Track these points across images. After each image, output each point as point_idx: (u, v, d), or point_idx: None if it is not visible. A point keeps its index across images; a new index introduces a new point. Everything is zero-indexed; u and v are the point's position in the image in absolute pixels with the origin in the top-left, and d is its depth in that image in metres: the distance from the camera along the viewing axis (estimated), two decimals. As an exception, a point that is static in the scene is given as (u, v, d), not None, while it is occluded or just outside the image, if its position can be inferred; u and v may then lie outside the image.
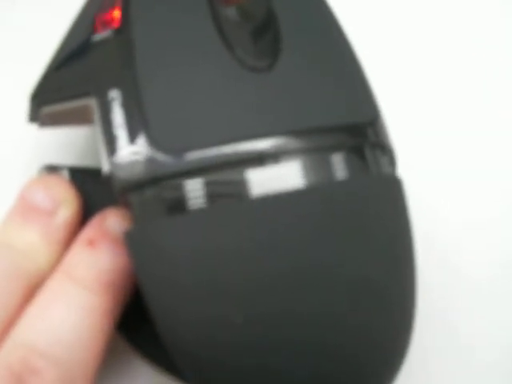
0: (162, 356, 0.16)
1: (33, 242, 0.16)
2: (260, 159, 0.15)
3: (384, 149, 0.16)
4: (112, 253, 0.16)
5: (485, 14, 0.24)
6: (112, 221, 0.16)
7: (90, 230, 0.16)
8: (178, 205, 0.14)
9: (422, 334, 0.18)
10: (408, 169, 0.18)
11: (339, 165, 0.15)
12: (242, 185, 0.14)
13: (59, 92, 0.16)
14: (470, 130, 0.22)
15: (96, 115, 0.15)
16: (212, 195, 0.14)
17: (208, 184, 0.14)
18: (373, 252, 0.15)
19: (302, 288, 0.14)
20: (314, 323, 0.14)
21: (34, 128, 0.17)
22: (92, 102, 0.16)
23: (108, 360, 0.17)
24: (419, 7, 0.24)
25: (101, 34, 0.17)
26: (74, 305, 0.15)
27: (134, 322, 0.17)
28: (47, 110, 0.17)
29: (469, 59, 0.23)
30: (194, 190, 0.14)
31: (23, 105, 0.17)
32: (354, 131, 0.16)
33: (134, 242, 0.15)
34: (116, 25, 0.16)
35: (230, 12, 0.17)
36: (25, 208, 0.16)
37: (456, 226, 0.21)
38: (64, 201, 0.16)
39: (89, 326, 0.15)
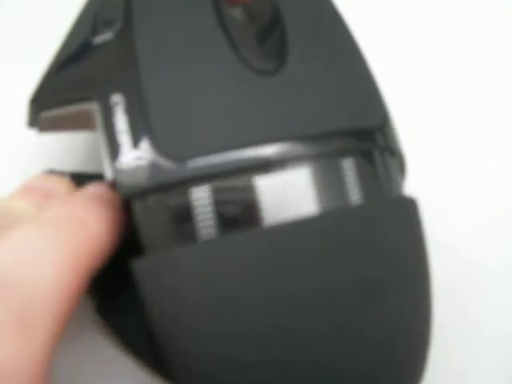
0: (149, 355, 0.16)
1: (26, 209, 0.15)
2: (267, 165, 0.14)
3: (393, 153, 0.16)
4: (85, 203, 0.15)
5: (488, 14, 0.23)
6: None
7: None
8: (187, 225, 0.14)
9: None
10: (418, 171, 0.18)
11: (349, 173, 0.15)
12: (250, 197, 0.14)
13: (59, 96, 0.16)
14: (476, 134, 0.22)
15: (98, 120, 0.15)
16: (220, 210, 0.14)
17: (214, 192, 0.14)
18: (389, 280, 0.14)
19: (313, 320, 0.14)
20: (322, 350, 0.14)
21: (33, 132, 0.17)
22: (94, 107, 0.15)
23: (96, 357, 0.16)
24: (424, 8, 0.23)
25: (102, 36, 0.16)
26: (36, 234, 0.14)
27: (123, 318, 0.17)
28: (47, 114, 0.16)
29: (473, 61, 0.23)
30: (201, 199, 0.14)
31: (23, 108, 0.17)
32: (363, 135, 0.15)
33: (142, 276, 0.14)
34: (118, 26, 0.16)
35: (236, 12, 0.16)
36: (25, 189, 0.16)
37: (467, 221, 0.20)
38: (62, 190, 0.16)
39: (53, 261, 0.13)
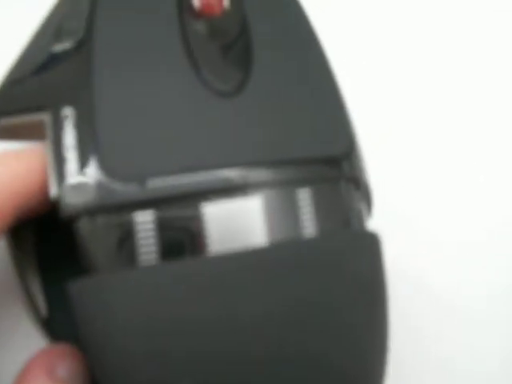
0: None
1: None
2: (218, 191, 0.13)
3: (358, 183, 0.15)
4: None
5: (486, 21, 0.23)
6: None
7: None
8: (129, 249, 0.13)
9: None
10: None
11: (305, 203, 0.14)
12: (196, 224, 0.13)
13: (14, 105, 0.15)
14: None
15: (48, 133, 0.14)
16: (164, 236, 0.13)
17: (159, 218, 0.13)
18: (337, 313, 0.14)
19: (259, 363, 0.13)
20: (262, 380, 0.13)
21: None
22: (45, 118, 0.15)
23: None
24: (421, 11, 0.23)
25: (62, 45, 0.16)
26: None
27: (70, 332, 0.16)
28: (2, 122, 0.16)
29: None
30: (145, 223, 0.13)
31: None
32: (325, 164, 0.15)
33: (78, 297, 0.14)
34: (78, 36, 0.15)
35: (201, 27, 0.16)
36: None
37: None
38: None
39: None
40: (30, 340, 0.17)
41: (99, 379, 0.14)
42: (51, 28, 0.16)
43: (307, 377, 0.13)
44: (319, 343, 0.13)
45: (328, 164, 0.15)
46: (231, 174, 0.14)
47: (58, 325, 0.17)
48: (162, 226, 0.13)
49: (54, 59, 0.15)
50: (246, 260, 0.13)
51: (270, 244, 0.13)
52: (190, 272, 0.13)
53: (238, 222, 0.13)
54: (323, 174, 0.14)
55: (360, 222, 0.15)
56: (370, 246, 0.15)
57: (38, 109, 0.15)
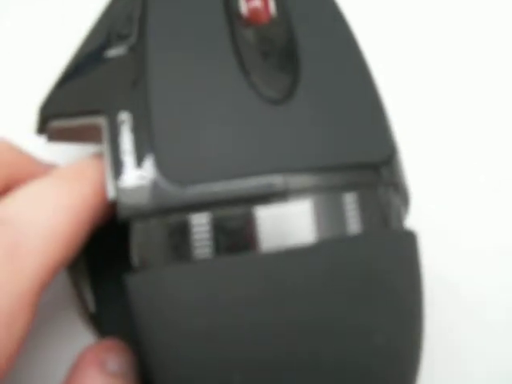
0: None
1: None
2: (268, 196, 0.14)
3: (398, 188, 0.16)
4: None
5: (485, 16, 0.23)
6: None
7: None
8: (184, 246, 0.14)
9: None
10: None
11: (351, 207, 0.14)
12: (249, 226, 0.14)
13: (68, 107, 0.16)
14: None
15: (104, 136, 0.15)
16: (218, 236, 0.14)
17: (214, 220, 0.14)
18: (382, 316, 0.14)
19: (306, 357, 0.14)
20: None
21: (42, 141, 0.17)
22: (101, 122, 0.15)
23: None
24: (425, 14, 0.23)
25: (115, 49, 0.16)
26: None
27: (117, 329, 0.17)
28: (55, 124, 0.16)
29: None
30: (200, 225, 0.14)
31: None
32: (368, 170, 0.15)
33: (135, 289, 0.14)
34: (131, 41, 0.16)
35: (249, 34, 0.16)
36: None
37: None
38: None
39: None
40: (79, 336, 0.18)
41: (153, 371, 0.14)
42: (102, 32, 0.17)
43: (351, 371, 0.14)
44: (359, 340, 0.14)
45: (370, 170, 0.15)
46: (280, 179, 0.14)
47: (106, 320, 0.17)
48: (216, 227, 0.14)
49: (107, 64, 0.16)
50: (295, 256, 0.14)
51: (317, 241, 0.14)
52: (243, 266, 0.14)
53: (288, 223, 0.14)
54: (366, 179, 0.15)
55: (399, 222, 0.16)
56: (411, 243, 0.15)
57: (94, 113, 0.15)
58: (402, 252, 0.15)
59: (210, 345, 0.13)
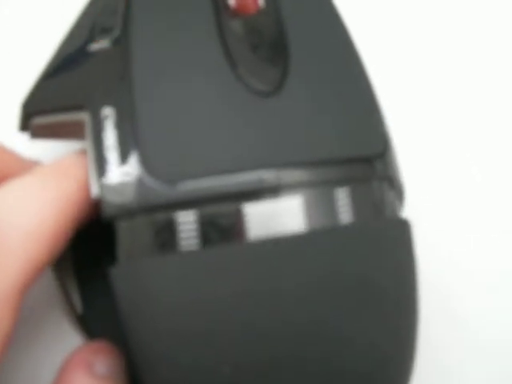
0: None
1: None
2: (259, 192, 0.14)
3: (392, 183, 0.15)
4: None
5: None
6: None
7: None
8: (169, 240, 0.13)
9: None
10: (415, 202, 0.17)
11: (343, 201, 0.14)
12: (238, 222, 0.13)
13: (51, 103, 0.15)
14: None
15: (87, 132, 0.14)
16: (205, 231, 0.13)
17: (202, 216, 0.13)
18: (376, 308, 0.14)
19: (298, 343, 0.13)
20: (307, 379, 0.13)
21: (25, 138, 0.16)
22: (84, 117, 0.15)
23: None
24: (424, 12, 0.22)
25: (98, 44, 0.16)
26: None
27: (105, 329, 0.17)
28: (38, 121, 0.16)
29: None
30: (187, 222, 0.13)
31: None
32: (361, 164, 0.15)
33: (120, 281, 0.14)
34: (115, 34, 0.15)
35: (237, 25, 0.16)
36: None
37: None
38: None
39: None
40: (66, 338, 0.17)
41: (140, 367, 0.14)
42: (86, 27, 0.16)
43: (344, 356, 0.14)
44: (354, 327, 0.14)
45: (364, 163, 0.15)
46: (270, 175, 0.14)
47: (94, 321, 0.17)
48: (204, 225, 0.13)
49: (90, 58, 0.15)
50: (284, 245, 0.13)
51: (307, 231, 0.13)
52: (230, 256, 0.13)
53: (278, 217, 0.14)
54: (360, 173, 0.15)
55: (393, 213, 0.15)
56: (403, 232, 0.15)
57: (77, 108, 0.15)
58: (395, 241, 0.15)
59: (196, 337, 0.13)
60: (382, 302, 0.14)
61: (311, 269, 0.13)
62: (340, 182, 0.14)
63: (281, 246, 0.13)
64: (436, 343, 0.18)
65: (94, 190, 0.14)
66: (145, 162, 0.14)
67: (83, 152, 0.15)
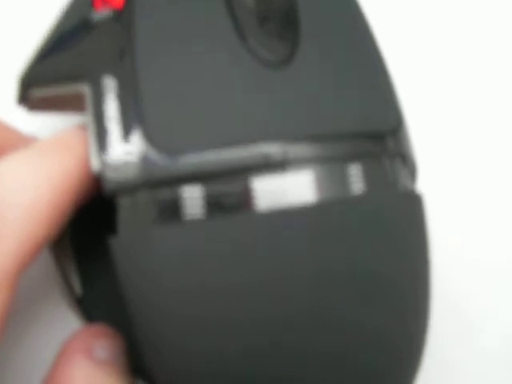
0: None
1: None
2: (267, 166, 0.13)
3: (405, 160, 0.15)
4: None
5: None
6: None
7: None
8: (174, 214, 0.13)
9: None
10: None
11: (354, 177, 0.13)
12: (245, 194, 0.13)
13: (51, 74, 0.15)
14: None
15: (88, 104, 0.14)
16: (211, 204, 0.13)
17: (208, 191, 0.13)
18: (386, 272, 0.13)
19: (308, 320, 0.13)
20: (319, 359, 0.13)
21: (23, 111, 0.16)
22: (85, 89, 0.14)
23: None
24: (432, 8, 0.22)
25: (100, 13, 0.15)
26: None
27: (106, 312, 0.16)
28: (37, 92, 0.15)
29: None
30: (192, 197, 0.13)
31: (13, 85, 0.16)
32: (373, 140, 0.14)
33: (120, 253, 0.13)
34: (118, 4, 0.15)
35: None
36: None
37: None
38: None
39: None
40: (65, 321, 0.17)
41: (144, 349, 0.13)
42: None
43: (349, 339, 0.13)
44: (364, 305, 0.13)
45: (376, 139, 0.14)
46: (277, 148, 0.13)
47: (93, 304, 0.16)
48: (209, 199, 0.13)
49: (91, 28, 0.15)
50: (293, 216, 0.13)
51: (317, 202, 0.13)
52: (238, 226, 0.13)
53: (287, 191, 0.13)
54: (371, 149, 0.14)
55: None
56: (416, 204, 0.14)
57: (76, 79, 0.14)
58: (407, 213, 0.14)
59: (204, 312, 0.13)
60: (391, 275, 0.14)
61: (322, 239, 0.13)
62: (351, 158, 0.14)
63: (291, 217, 0.13)
64: (441, 342, 0.18)
65: (95, 165, 0.13)
66: (148, 135, 0.13)
67: (84, 126, 0.14)
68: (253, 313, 0.13)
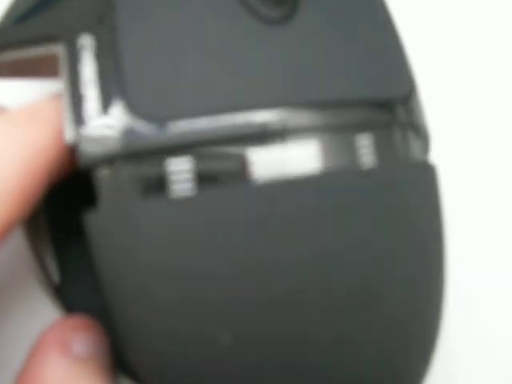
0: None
1: None
2: (264, 135, 0.12)
3: (417, 130, 0.14)
4: None
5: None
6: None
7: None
8: (159, 188, 0.11)
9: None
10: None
11: (364, 149, 0.12)
12: (240, 167, 0.11)
13: (20, 35, 0.13)
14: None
15: (62, 67, 0.12)
16: (202, 178, 0.11)
17: (197, 163, 0.11)
18: (398, 246, 0.12)
19: (308, 303, 0.11)
20: (319, 347, 0.12)
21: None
22: (59, 50, 0.12)
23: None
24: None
25: None
26: None
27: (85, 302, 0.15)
28: (4, 57, 0.13)
29: None
30: (181, 170, 0.11)
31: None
32: (382, 108, 0.13)
33: (98, 230, 0.12)
34: None
35: None
36: None
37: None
38: None
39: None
40: (41, 311, 0.16)
41: (126, 341, 0.12)
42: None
43: (357, 323, 0.12)
44: (373, 284, 0.12)
45: (385, 107, 0.13)
46: (276, 116, 0.12)
47: (72, 292, 0.15)
48: (200, 171, 0.11)
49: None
50: (296, 188, 0.11)
51: (323, 171, 0.12)
52: (231, 201, 0.11)
53: (287, 163, 0.12)
54: (380, 118, 0.13)
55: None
56: (429, 176, 0.13)
57: (49, 39, 0.13)
58: (421, 183, 0.13)
59: (192, 296, 0.11)
60: (402, 254, 0.12)
61: (329, 214, 0.11)
62: (359, 128, 0.12)
63: (291, 191, 0.11)
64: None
65: (70, 137, 0.12)
66: (130, 101, 0.11)
67: (58, 95, 0.13)
68: (248, 296, 0.11)
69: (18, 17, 0.14)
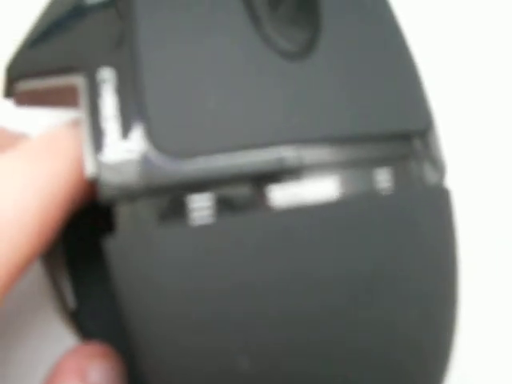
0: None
1: None
2: (281, 172, 0.12)
3: (434, 163, 0.13)
4: None
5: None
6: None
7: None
8: (178, 219, 0.11)
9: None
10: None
11: (379, 183, 0.12)
12: (256, 198, 0.12)
13: (39, 65, 0.13)
14: None
15: (82, 99, 0.12)
16: (220, 211, 0.11)
17: (215, 197, 0.11)
18: (412, 271, 0.12)
19: (330, 321, 0.12)
20: (340, 358, 0.12)
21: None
22: (79, 81, 0.12)
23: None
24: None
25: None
26: None
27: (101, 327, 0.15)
28: (24, 86, 0.13)
29: None
30: (199, 207, 0.11)
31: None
32: (400, 141, 0.13)
33: (118, 256, 0.12)
34: None
35: None
36: None
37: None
38: None
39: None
40: (57, 337, 0.16)
41: (144, 368, 0.12)
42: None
43: (371, 341, 0.12)
44: (387, 306, 0.12)
45: (403, 141, 0.13)
46: (299, 152, 0.12)
47: (88, 318, 0.15)
48: (218, 206, 0.11)
49: (85, 13, 0.13)
50: (314, 214, 0.12)
51: (341, 197, 0.12)
52: (248, 227, 0.11)
53: (306, 195, 0.12)
54: (398, 152, 0.13)
55: None
56: (444, 200, 0.13)
57: (69, 70, 0.13)
58: (435, 208, 0.13)
59: (210, 310, 0.11)
60: (417, 277, 0.13)
61: (345, 237, 0.12)
62: (376, 162, 0.12)
63: (309, 217, 0.12)
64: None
65: (90, 169, 0.12)
66: (150, 135, 0.12)
67: (75, 123, 0.13)
68: (267, 316, 0.11)
69: (34, 40, 0.14)
